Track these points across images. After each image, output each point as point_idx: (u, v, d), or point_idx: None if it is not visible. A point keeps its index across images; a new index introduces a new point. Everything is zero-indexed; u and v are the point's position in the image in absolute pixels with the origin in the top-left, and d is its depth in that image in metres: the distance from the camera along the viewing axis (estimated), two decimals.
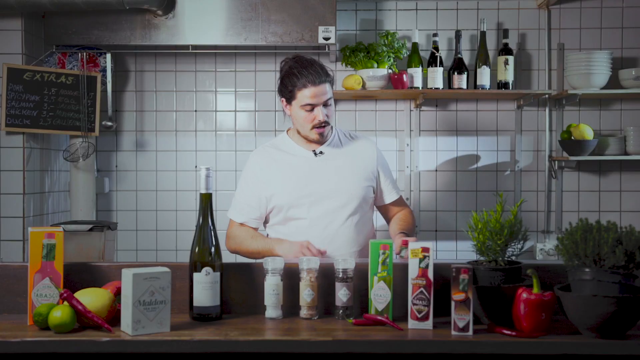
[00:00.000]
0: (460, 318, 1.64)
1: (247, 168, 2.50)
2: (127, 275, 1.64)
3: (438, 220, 3.69)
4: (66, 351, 1.58)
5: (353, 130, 3.56)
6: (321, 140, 2.44)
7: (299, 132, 2.46)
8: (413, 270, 1.72)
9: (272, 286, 1.81)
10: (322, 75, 2.36)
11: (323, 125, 2.38)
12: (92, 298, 1.69)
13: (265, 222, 2.51)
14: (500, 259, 1.74)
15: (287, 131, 2.55)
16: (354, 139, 2.56)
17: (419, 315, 1.71)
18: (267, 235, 2.52)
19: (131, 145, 3.73)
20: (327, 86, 2.37)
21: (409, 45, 3.59)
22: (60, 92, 3.37)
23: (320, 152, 2.46)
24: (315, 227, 2.38)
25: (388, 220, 2.61)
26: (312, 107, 2.36)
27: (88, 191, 3.56)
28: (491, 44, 3.62)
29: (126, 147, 3.73)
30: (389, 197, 2.55)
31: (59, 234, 1.76)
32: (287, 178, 2.42)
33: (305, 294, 1.81)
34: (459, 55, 3.52)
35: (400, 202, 2.60)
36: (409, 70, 3.51)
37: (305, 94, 2.34)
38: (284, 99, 2.44)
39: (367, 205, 2.49)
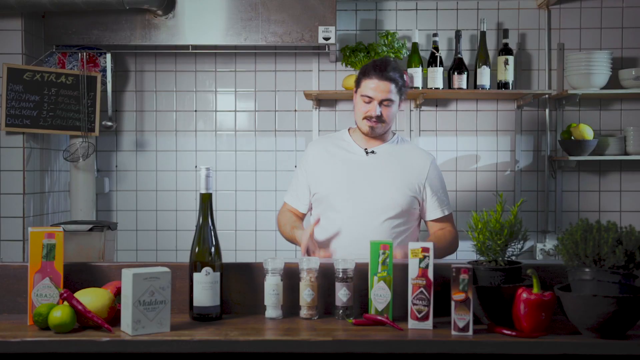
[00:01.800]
0: (460, 318, 1.64)
1: (304, 156, 2.63)
2: (127, 275, 1.64)
3: None
4: (66, 351, 1.58)
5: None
6: (371, 133, 2.47)
7: (356, 124, 2.53)
8: (413, 270, 1.72)
9: (272, 286, 1.81)
10: (389, 74, 2.41)
11: (375, 120, 2.43)
12: (92, 298, 1.69)
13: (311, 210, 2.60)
14: (500, 259, 1.74)
15: (348, 129, 2.62)
16: (411, 149, 2.59)
17: (419, 315, 1.71)
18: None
19: (131, 145, 3.73)
20: (391, 86, 2.41)
21: (409, 45, 3.59)
22: (60, 92, 3.37)
23: (372, 152, 2.50)
24: (350, 223, 2.41)
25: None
26: (370, 100, 2.42)
27: (88, 191, 3.56)
28: (491, 44, 3.62)
29: (126, 147, 3.73)
30: (432, 214, 2.51)
31: (59, 234, 1.76)
32: (333, 171, 2.49)
33: (305, 294, 1.81)
34: (459, 55, 3.52)
35: (444, 221, 2.55)
36: (409, 70, 3.51)
37: (367, 85, 2.43)
38: (354, 87, 2.52)
39: (411, 216, 2.48)
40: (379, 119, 2.42)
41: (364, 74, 2.45)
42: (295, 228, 2.49)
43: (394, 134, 2.59)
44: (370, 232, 2.37)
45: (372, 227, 2.39)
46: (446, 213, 2.54)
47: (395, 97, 2.43)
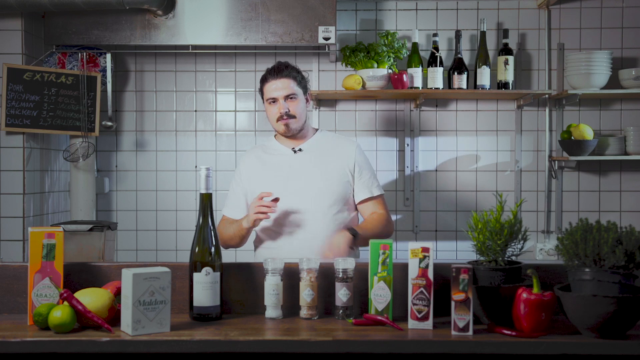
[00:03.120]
0: (460, 318, 1.64)
1: (236, 169, 2.71)
2: (127, 275, 1.64)
3: (438, 220, 3.69)
4: (66, 351, 1.58)
5: (340, 130, 3.56)
6: (287, 132, 2.57)
7: (274, 130, 2.65)
8: (413, 270, 1.72)
9: (272, 286, 1.81)
10: (283, 71, 2.53)
11: (285, 117, 2.53)
12: (92, 298, 1.69)
13: None
14: (500, 259, 1.74)
15: (274, 135, 2.71)
16: (336, 139, 2.70)
17: (419, 315, 1.71)
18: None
19: (131, 145, 3.73)
20: (289, 82, 2.54)
21: (409, 45, 3.59)
22: (60, 92, 3.37)
23: (299, 150, 2.60)
24: (294, 219, 2.47)
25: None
26: (275, 100, 2.54)
27: (88, 191, 3.56)
28: (491, 44, 3.62)
29: (126, 147, 3.73)
30: (361, 194, 2.57)
31: (59, 234, 1.76)
32: (267, 175, 2.57)
33: (305, 294, 1.81)
34: (459, 55, 3.52)
35: (375, 204, 2.59)
36: (409, 70, 3.51)
37: (267, 88, 2.56)
38: (261, 97, 2.64)
39: (349, 204, 2.57)
40: (289, 115, 2.53)
41: (262, 81, 2.58)
42: (237, 221, 2.52)
43: (317, 129, 2.69)
44: (315, 227, 2.45)
45: (316, 221, 2.46)
46: (375, 193, 2.59)
47: (297, 90, 2.55)
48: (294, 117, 2.54)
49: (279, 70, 2.54)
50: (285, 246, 2.47)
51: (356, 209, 2.61)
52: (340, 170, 2.56)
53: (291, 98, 2.54)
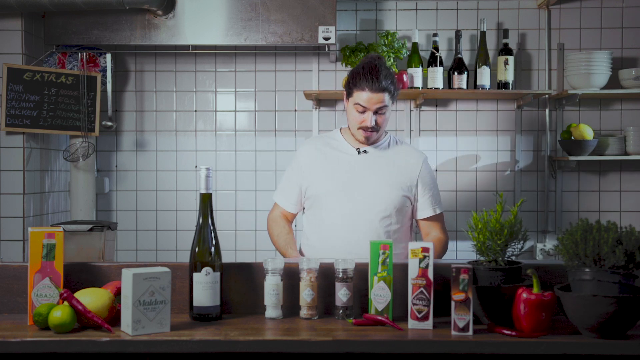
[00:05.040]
0: (460, 318, 1.64)
1: (296, 155, 2.61)
2: (127, 275, 1.64)
3: None
4: (66, 351, 1.58)
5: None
6: (366, 142, 2.48)
7: (349, 129, 2.53)
8: (413, 270, 1.72)
9: (272, 286, 1.81)
10: (382, 85, 2.37)
11: (370, 129, 2.42)
12: (92, 298, 1.69)
13: (303, 210, 2.60)
14: (500, 259, 1.74)
15: (340, 129, 2.61)
16: (403, 148, 2.58)
17: (419, 315, 1.71)
18: (303, 221, 2.61)
19: (131, 145, 3.73)
20: (384, 96, 2.39)
21: (409, 45, 3.59)
22: (60, 92, 3.37)
23: (364, 151, 2.50)
24: (343, 222, 2.42)
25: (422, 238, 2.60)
26: (364, 109, 2.40)
27: (88, 191, 3.56)
28: (491, 44, 3.62)
29: (126, 147, 3.73)
30: (423, 212, 2.51)
31: (59, 234, 1.76)
32: (326, 170, 2.49)
33: (305, 294, 1.81)
34: (459, 55, 3.53)
35: (435, 220, 2.54)
36: (409, 70, 3.51)
37: (360, 96, 2.39)
38: (345, 92, 2.50)
39: (403, 216, 2.48)
40: (374, 128, 2.43)
41: (355, 85, 2.41)
42: (289, 248, 2.48)
43: (386, 133, 2.57)
44: (363, 232, 2.39)
45: (365, 226, 2.40)
46: (437, 212, 2.54)
47: (388, 102, 2.42)
48: (378, 130, 2.44)
49: (378, 83, 2.37)
50: (329, 247, 2.40)
51: (410, 221, 2.54)
52: (400, 182, 2.46)
53: (380, 112, 2.42)
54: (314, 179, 2.49)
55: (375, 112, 2.41)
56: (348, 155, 2.51)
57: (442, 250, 2.51)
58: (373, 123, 2.41)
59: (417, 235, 2.73)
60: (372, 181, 2.45)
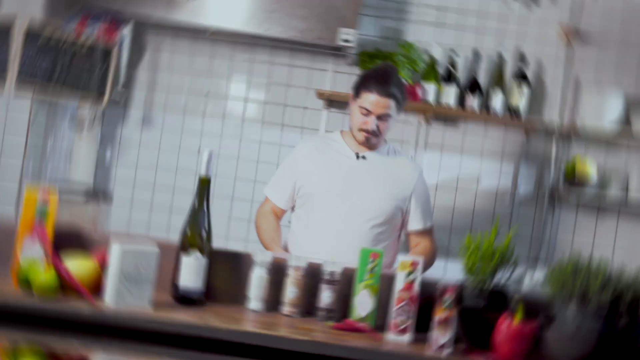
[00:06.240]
0: (440, 336, 1.64)
1: (293, 152, 2.60)
2: (115, 249, 1.65)
3: None
4: (47, 316, 1.58)
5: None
6: (365, 144, 2.48)
7: (350, 130, 2.52)
8: (399, 282, 1.72)
9: (258, 278, 1.81)
10: (390, 90, 2.39)
11: (371, 133, 2.42)
12: (78, 265, 1.70)
13: (293, 207, 2.58)
14: (488, 282, 1.74)
15: (341, 131, 2.61)
16: (401, 159, 2.59)
17: (400, 328, 1.71)
18: (290, 221, 2.60)
19: (138, 120, 3.72)
20: (391, 102, 2.40)
21: (426, 58, 3.59)
22: (74, 61, 3.34)
23: (363, 157, 2.50)
24: (334, 224, 2.42)
25: (409, 250, 2.60)
26: (368, 113, 2.41)
27: (88, 161, 3.56)
28: (508, 68, 3.62)
29: (132, 122, 3.72)
30: (414, 225, 2.53)
31: (53, 197, 1.77)
32: (322, 171, 2.48)
33: (290, 290, 1.81)
34: (475, 75, 3.52)
35: (425, 233, 2.56)
36: (423, 83, 3.51)
37: (367, 98, 2.41)
38: (352, 93, 2.50)
39: (393, 226, 2.49)
40: (375, 132, 2.43)
41: (364, 86, 2.42)
42: (274, 244, 2.48)
43: (386, 142, 2.58)
44: (354, 237, 2.39)
45: (355, 232, 2.41)
46: (428, 225, 2.56)
47: (393, 112, 2.43)
48: (379, 135, 2.45)
49: (387, 88, 2.38)
50: (316, 247, 2.38)
51: (399, 232, 2.55)
52: (395, 192, 2.48)
53: (384, 118, 2.43)
54: (309, 178, 2.48)
55: (379, 118, 2.41)
56: (346, 158, 2.51)
57: (431, 260, 2.52)
58: (375, 127, 2.41)
59: (404, 246, 2.73)
60: (367, 187, 2.45)
